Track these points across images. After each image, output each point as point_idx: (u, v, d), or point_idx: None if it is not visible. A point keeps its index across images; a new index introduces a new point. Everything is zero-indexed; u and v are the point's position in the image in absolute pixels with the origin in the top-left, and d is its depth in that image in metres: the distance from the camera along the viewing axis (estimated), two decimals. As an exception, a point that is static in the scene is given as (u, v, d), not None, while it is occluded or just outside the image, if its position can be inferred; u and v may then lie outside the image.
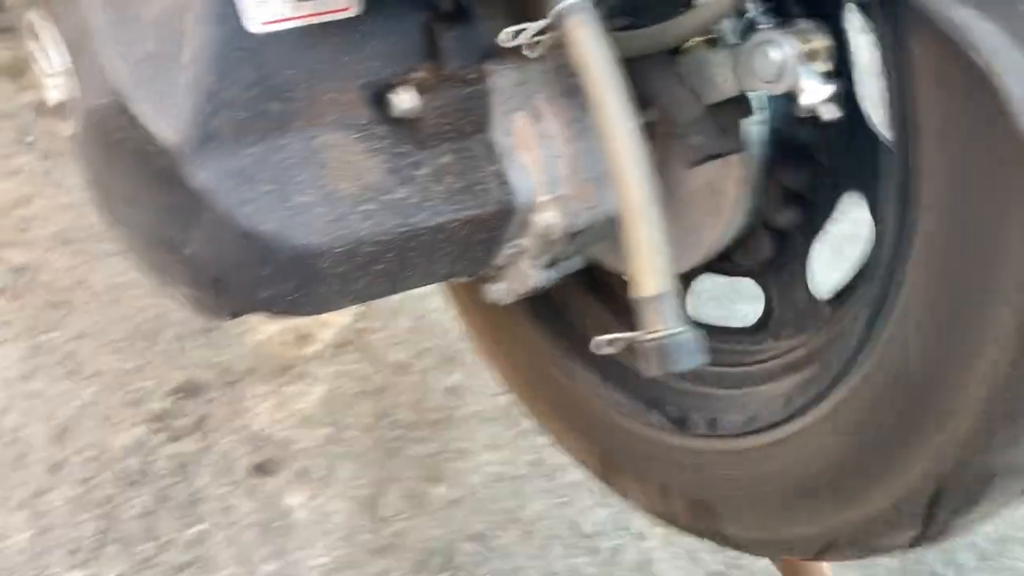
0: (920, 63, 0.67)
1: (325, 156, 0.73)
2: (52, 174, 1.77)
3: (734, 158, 0.87)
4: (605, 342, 0.68)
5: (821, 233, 0.96)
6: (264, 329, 1.48)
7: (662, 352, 0.65)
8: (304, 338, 1.49)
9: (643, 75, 0.82)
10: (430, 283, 0.84)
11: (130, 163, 0.73)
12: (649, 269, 0.66)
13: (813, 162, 0.93)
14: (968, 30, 0.57)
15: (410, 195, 0.75)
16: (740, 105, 0.83)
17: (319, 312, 0.78)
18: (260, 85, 0.71)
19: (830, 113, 0.72)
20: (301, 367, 1.45)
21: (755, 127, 0.87)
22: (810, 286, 0.97)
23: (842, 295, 0.93)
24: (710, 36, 0.80)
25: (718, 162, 0.88)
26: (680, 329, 0.65)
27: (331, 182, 0.73)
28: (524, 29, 0.69)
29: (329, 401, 1.42)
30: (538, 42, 0.72)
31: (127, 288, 1.52)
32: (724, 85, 0.79)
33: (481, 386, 1.46)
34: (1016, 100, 0.55)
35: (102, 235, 1.44)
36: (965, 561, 1.37)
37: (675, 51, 0.81)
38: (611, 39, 0.74)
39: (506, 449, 1.42)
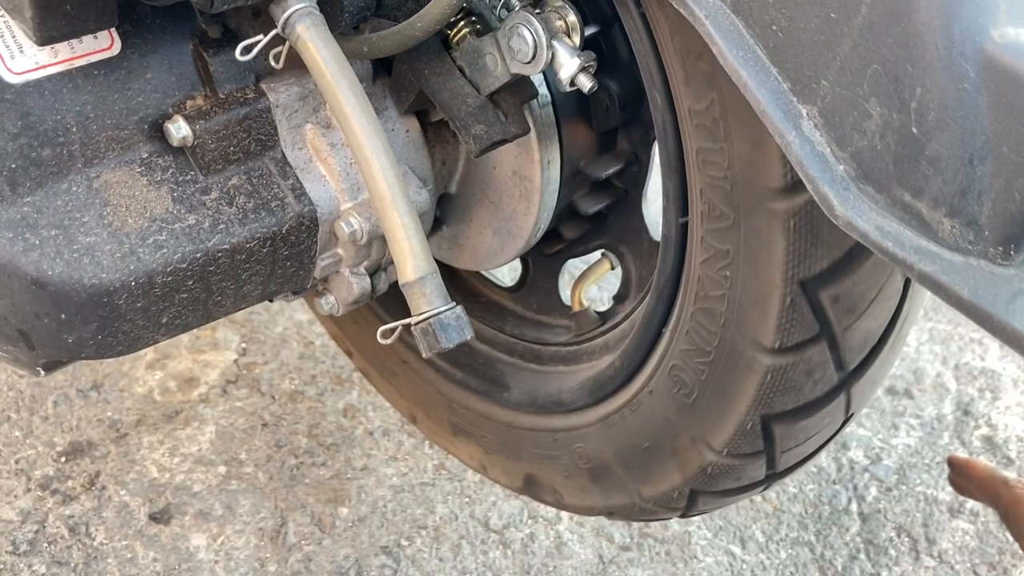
0: (659, 25, 0.71)
1: (108, 194, 0.74)
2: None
3: (531, 140, 0.89)
4: (381, 333, 0.69)
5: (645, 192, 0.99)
6: (147, 380, 1.48)
7: (429, 332, 0.66)
8: (189, 382, 1.48)
9: (423, 74, 0.83)
10: (249, 305, 0.85)
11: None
12: (407, 255, 0.68)
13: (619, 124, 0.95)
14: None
15: (201, 220, 0.76)
16: (522, 88, 0.85)
17: (134, 350, 0.78)
18: (26, 134, 0.72)
19: (589, 82, 0.75)
20: (190, 411, 1.45)
21: (546, 107, 0.89)
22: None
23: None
24: (476, 25, 0.82)
25: (518, 148, 0.90)
26: (444, 307, 0.67)
27: (117, 219, 0.73)
28: (256, 42, 0.71)
29: (222, 440, 1.42)
30: (279, 52, 0.74)
31: (2, 359, 1.51)
32: (496, 71, 0.80)
33: (378, 402, 1.46)
34: (715, 37, 0.59)
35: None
36: (869, 494, 1.40)
37: (448, 47, 0.83)
38: (361, 41, 0.76)
39: (409, 459, 1.42)
